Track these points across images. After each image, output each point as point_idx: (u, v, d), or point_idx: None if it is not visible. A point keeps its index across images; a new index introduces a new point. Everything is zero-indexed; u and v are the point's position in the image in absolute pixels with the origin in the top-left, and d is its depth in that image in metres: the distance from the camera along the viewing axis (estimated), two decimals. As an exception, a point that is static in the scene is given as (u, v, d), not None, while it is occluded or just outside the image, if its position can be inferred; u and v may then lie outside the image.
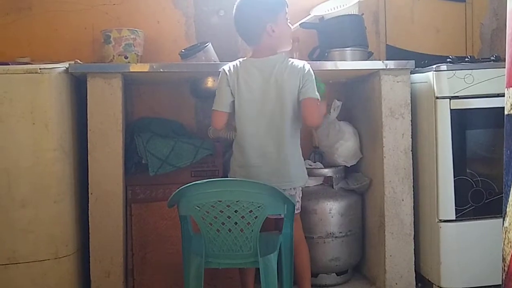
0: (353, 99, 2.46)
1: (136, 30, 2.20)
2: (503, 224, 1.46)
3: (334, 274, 2.25)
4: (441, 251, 2.04)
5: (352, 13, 2.31)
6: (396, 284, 2.12)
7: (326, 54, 2.29)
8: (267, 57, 1.83)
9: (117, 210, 1.94)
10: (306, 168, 1.97)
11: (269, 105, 1.80)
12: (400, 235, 2.11)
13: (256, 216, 1.55)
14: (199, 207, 1.57)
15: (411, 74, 2.13)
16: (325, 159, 2.36)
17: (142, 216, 2.09)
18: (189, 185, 1.56)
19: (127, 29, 2.18)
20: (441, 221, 2.05)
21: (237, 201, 1.54)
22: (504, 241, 1.46)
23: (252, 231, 1.57)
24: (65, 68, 1.90)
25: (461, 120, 2.04)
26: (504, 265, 1.46)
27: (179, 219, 1.67)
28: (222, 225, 1.57)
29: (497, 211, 1.83)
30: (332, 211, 2.18)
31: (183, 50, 2.25)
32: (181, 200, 1.60)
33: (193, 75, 2.16)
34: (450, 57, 2.19)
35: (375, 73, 2.14)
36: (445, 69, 2.03)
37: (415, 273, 2.14)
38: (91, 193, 1.92)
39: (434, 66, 2.06)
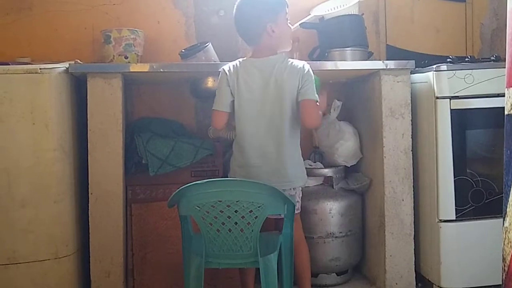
0: (353, 99, 2.46)
1: (136, 30, 2.20)
2: (503, 224, 1.46)
3: (334, 274, 2.25)
4: (441, 251, 2.04)
5: (352, 13, 2.31)
6: (396, 284, 2.12)
7: (326, 54, 2.29)
8: (267, 57, 1.82)
9: (117, 210, 1.94)
10: (306, 168, 1.97)
11: (269, 105, 1.80)
12: (400, 235, 2.11)
13: (256, 216, 1.55)
14: (199, 207, 1.57)
15: (411, 74, 2.13)
16: (325, 159, 2.36)
17: (142, 216, 2.09)
18: (189, 185, 1.56)
19: (127, 29, 2.18)
20: (441, 221, 2.05)
21: (237, 201, 1.54)
22: (504, 241, 1.46)
23: (252, 231, 1.57)
24: (65, 68, 1.90)
25: (461, 120, 2.04)
26: (504, 265, 1.46)
27: (179, 219, 1.67)
28: (222, 225, 1.57)
29: (497, 211, 1.83)
30: (332, 211, 2.18)
31: (183, 50, 2.25)
32: (181, 200, 1.60)
33: (193, 75, 2.16)
34: (450, 57, 2.19)
35: (375, 73, 2.14)
36: (445, 69, 2.03)
37: (415, 273, 2.14)
38: (91, 193, 1.92)
39: (434, 66, 2.06)
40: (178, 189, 1.57)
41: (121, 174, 1.95)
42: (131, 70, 1.97)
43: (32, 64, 2.02)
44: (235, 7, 1.86)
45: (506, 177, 1.45)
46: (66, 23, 2.38)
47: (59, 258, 1.85)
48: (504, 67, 1.48)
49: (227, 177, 1.91)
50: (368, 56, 2.33)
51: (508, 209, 1.43)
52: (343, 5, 2.34)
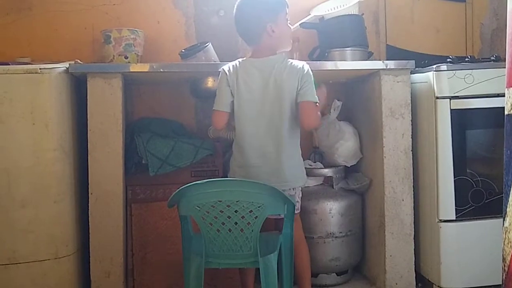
0: (353, 99, 2.46)
1: (136, 30, 2.20)
2: (503, 224, 1.46)
3: (334, 274, 2.25)
4: (441, 251, 2.04)
5: (352, 13, 2.31)
6: (396, 284, 2.12)
7: (326, 54, 2.29)
8: (266, 57, 1.82)
9: (117, 210, 1.94)
10: (306, 168, 1.97)
11: (268, 105, 1.80)
12: (400, 235, 2.11)
13: (256, 216, 1.55)
14: (199, 207, 1.57)
15: (411, 74, 2.13)
16: (325, 159, 2.36)
17: (142, 216, 2.09)
18: (189, 185, 1.56)
19: (127, 29, 2.18)
20: (441, 221, 2.05)
21: (237, 201, 1.54)
22: (504, 241, 1.46)
23: (252, 231, 1.57)
24: (65, 68, 1.90)
25: (461, 120, 2.04)
26: (504, 265, 1.46)
27: (179, 219, 1.67)
28: (222, 225, 1.57)
29: (497, 211, 1.83)
30: (332, 211, 2.18)
31: (183, 50, 2.25)
32: (181, 200, 1.60)
33: (193, 75, 2.16)
34: (450, 57, 2.19)
35: (375, 73, 2.14)
36: (445, 69, 2.03)
37: (415, 273, 2.14)
38: (91, 193, 1.92)
39: (434, 66, 2.06)
40: (178, 189, 1.57)
41: (121, 174, 1.95)
42: (131, 70, 1.97)
43: (32, 64, 2.02)
44: (235, 7, 1.86)
45: (506, 177, 1.45)
46: (66, 23, 2.38)
47: (59, 258, 1.85)
48: (504, 67, 1.48)
49: (227, 177, 1.91)
50: (368, 56, 2.33)
51: (508, 209, 1.43)
52: (343, 5, 2.34)
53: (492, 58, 2.24)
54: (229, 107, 1.83)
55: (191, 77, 2.22)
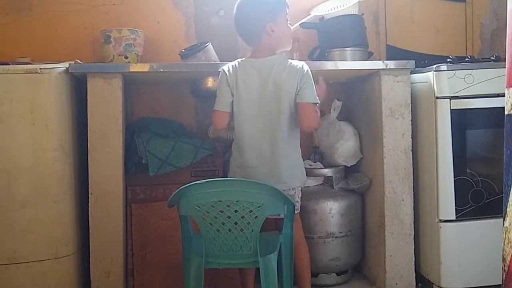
0: (353, 99, 2.46)
1: (136, 30, 2.20)
2: (503, 224, 1.46)
3: (334, 274, 2.25)
4: (441, 251, 2.04)
5: (352, 13, 2.31)
6: (396, 284, 2.12)
7: (326, 54, 2.29)
8: (265, 57, 1.82)
9: (117, 210, 1.94)
10: (306, 168, 1.97)
11: (268, 105, 1.80)
12: (400, 235, 2.11)
13: (256, 216, 1.55)
14: (199, 207, 1.57)
15: (411, 74, 2.13)
16: (325, 159, 2.36)
17: (142, 216, 2.09)
18: (189, 185, 1.56)
19: (127, 29, 2.18)
20: (441, 221, 2.05)
21: (237, 201, 1.54)
22: (504, 241, 1.46)
23: (252, 231, 1.57)
24: (65, 68, 1.90)
25: (461, 120, 2.04)
26: (504, 265, 1.46)
27: (179, 219, 1.67)
28: (222, 225, 1.57)
29: (497, 211, 1.83)
30: (332, 211, 2.18)
31: (183, 50, 2.25)
32: (181, 200, 1.60)
33: (193, 75, 2.16)
34: (450, 57, 2.19)
35: (375, 73, 2.14)
36: (445, 69, 2.03)
37: (415, 273, 2.14)
38: (91, 193, 1.92)
39: (434, 66, 2.06)
40: (178, 189, 1.57)
41: (121, 174, 1.95)
42: (131, 70, 1.97)
43: (32, 64, 2.02)
44: (235, 7, 1.86)
45: (506, 177, 1.45)
46: (66, 23, 2.38)
47: (59, 258, 1.85)
48: (504, 67, 1.48)
49: (227, 177, 1.91)
50: (368, 56, 2.33)
51: (508, 209, 1.43)
52: (343, 5, 2.34)
53: (492, 58, 2.24)
54: (230, 107, 1.83)
55: (191, 77, 2.23)
